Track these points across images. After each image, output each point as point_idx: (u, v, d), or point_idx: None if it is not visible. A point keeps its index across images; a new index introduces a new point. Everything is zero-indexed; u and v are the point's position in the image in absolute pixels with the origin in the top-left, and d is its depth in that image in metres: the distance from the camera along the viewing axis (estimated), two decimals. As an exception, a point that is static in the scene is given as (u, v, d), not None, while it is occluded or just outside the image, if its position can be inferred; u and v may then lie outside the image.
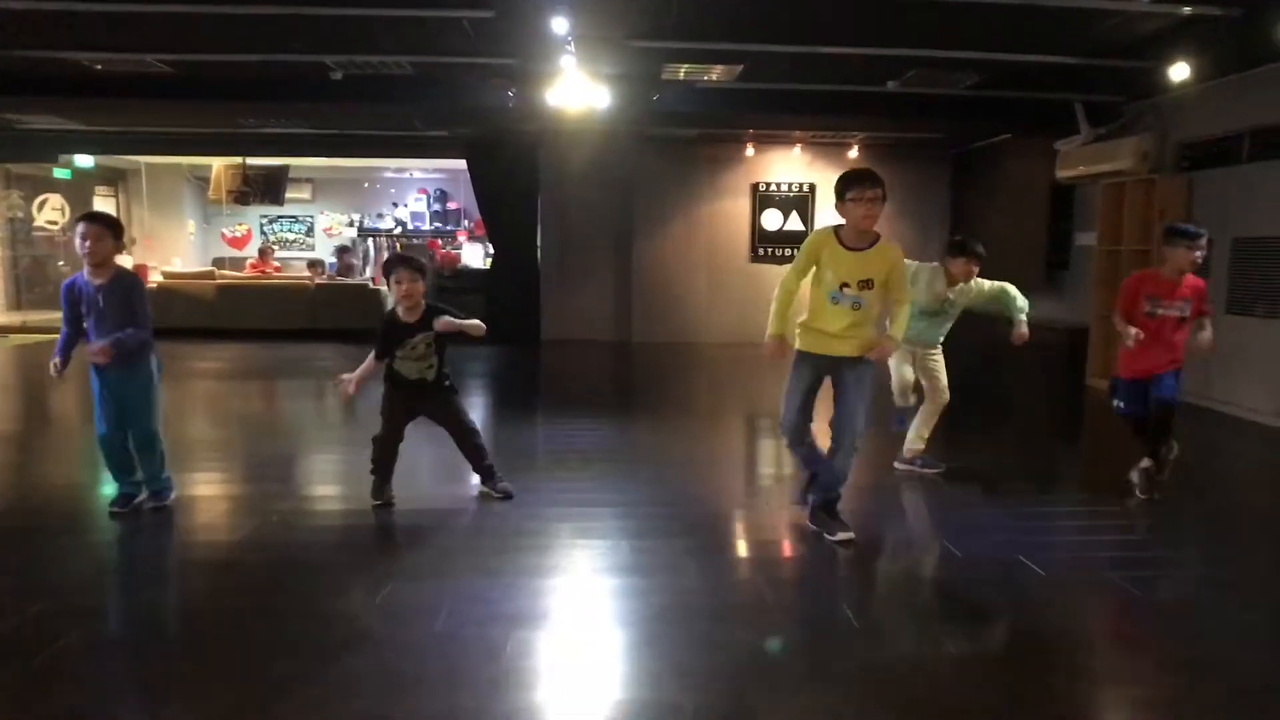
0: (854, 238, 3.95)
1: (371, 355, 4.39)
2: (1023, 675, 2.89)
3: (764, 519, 4.56)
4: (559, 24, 5.77)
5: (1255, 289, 7.11)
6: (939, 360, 5.25)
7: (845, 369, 4.02)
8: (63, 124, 10.93)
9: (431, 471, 5.08)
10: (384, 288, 12.41)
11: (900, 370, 5.28)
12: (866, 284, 3.92)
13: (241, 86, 8.22)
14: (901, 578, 3.90)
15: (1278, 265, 6.88)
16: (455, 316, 4.32)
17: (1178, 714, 2.70)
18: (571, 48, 6.55)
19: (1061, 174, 9.16)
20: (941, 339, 5.28)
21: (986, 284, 5.22)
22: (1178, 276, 4.60)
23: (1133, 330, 4.52)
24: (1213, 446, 6.51)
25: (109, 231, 4.11)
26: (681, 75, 7.85)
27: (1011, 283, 5.26)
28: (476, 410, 7.68)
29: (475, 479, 4.68)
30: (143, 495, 4.33)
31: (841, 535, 4.04)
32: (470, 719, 2.52)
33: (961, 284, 5.15)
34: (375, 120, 10.15)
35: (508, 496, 4.55)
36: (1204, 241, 4.54)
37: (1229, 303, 7.38)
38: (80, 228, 4.09)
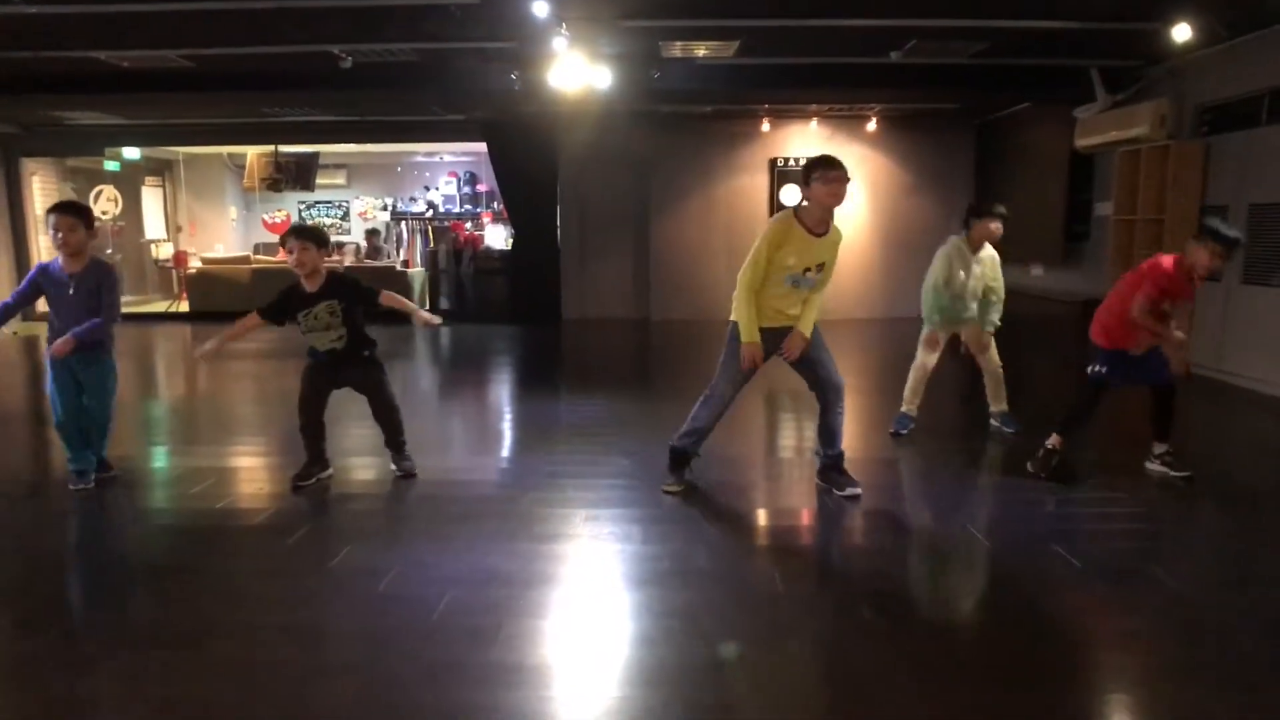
0: (815, 221, 4.03)
1: (254, 311, 4.43)
2: (948, 636, 2.97)
3: (728, 493, 4.60)
4: (540, 7, 5.86)
5: (1272, 258, 6.87)
6: (991, 346, 5.48)
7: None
8: (105, 119, 11.44)
9: (430, 443, 5.28)
10: (413, 269, 12.76)
11: (927, 354, 5.49)
12: (820, 267, 4.07)
13: (258, 77, 8.50)
14: (832, 545, 3.97)
15: (1298, 232, 6.65)
16: (367, 295, 4.39)
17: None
18: (563, 29, 6.65)
19: (1080, 143, 8.95)
20: (990, 318, 5.42)
21: (999, 262, 5.39)
22: (1193, 277, 4.29)
23: (1178, 334, 4.35)
24: (1222, 419, 6.37)
25: (80, 221, 4.22)
26: (679, 52, 7.88)
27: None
28: (483, 386, 7.93)
29: (445, 452, 4.85)
30: (94, 469, 4.51)
31: (850, 490, 4.25)
32: (389, 669, 2.70)
33: (985, 252, 5.32)
34: (392, 106, 10.40)
35: (409, 475, 4.63)
36: (1237, 252, 4.31)
37: (1244, 272, 7.17)
38: (52, 219, 4.16)
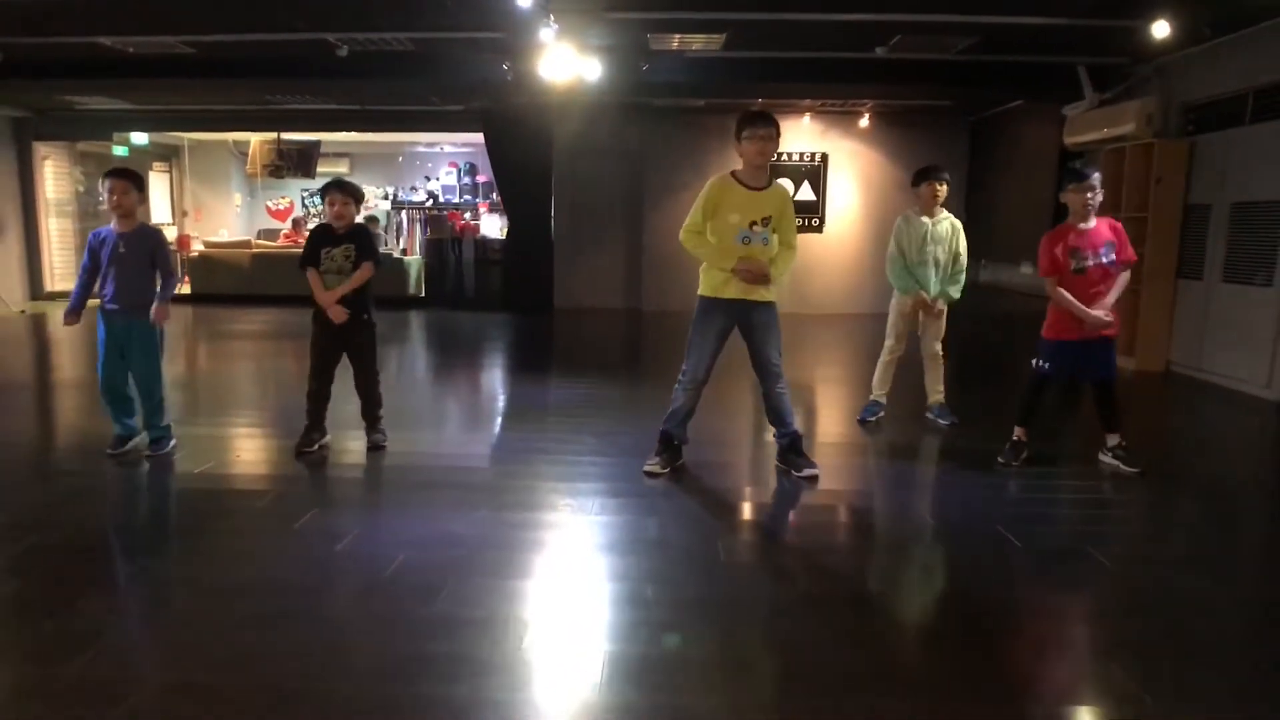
0: (751, 176, 4.18)
1: (308, 271, 4.65)
2: (904, 618, 3.09)
3: (689, 471, 4.71)
4: (527, -3, 5.99)
5: (1253, 257, 6.92)
6: (941, 313, 5.48)
7: (755, 313, 4.25)
8: (114, 104, 11.66)
9: (392, 418, 5.43)
10: (412, 258, 12.92)
11: (897, 340, 5.51)
12: (767, 221, 4.17)
13: (258, 65, 8.67)
14: (782, 522, 4.07)
15: (1275, 232, 6.65)
16: (372, 254, 4.65)
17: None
18: (551, 20, 6.77)
19: (1069, 140, 9.00)
20: (945, 289, 5.41)
21: (963, 239, 5.44)
22: (1087, 223, 4.45)
23: (1096, 313, 4.36)
24: (1204, 418, 6.42)
25: (133, 185, 4.51)
26: (668, 45, 7.99)
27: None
28: (470, 370, 8.08)
29: (423, 429, 4.99)
30: (138, 439, 4.68)
31: (807, 471, 4.36)
32: (336, 619, 2.84)
33: (940, 218, 5.39)
34: (389, 95, 10.55)
35: (377, 448, 4.76)
36: (1094, 181, 4.37)
37: (1225, 271, 7.23)
38: (107, 183, 4.46)
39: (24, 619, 2.82)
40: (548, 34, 6.96)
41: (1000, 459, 4.66)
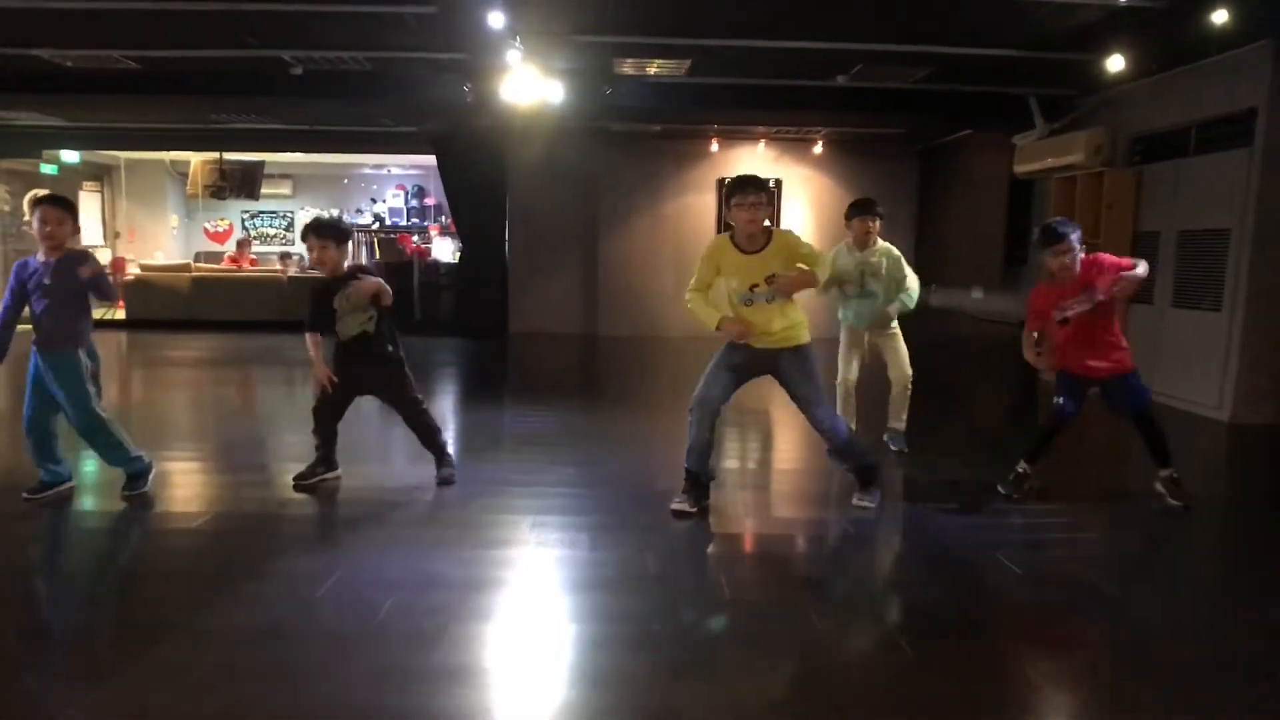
0: (746, 241, 4.01)
1: (308, 336, 4.31)
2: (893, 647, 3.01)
3: (668, 501, 4.64)
4: (496, 19, 5.88)
5: (1200, 282, 7.16)
6: (896, 338, 5.38)
7: (785, 361, 4.10)
8: (45, 120, 11.10)
9: (373, 450, 5.20)
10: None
11: (847, 366, 5.44)
12: (771, 279, 3.97)
13: (206, 81, 8.37)
14: (782, 554, 4.00)
15: (1221, 258, 6.91)
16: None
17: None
18: (517, 43, 6.67)
19: (1019, 169, 9.23)
20: (891, 316, 5.31)
21: (904, 266, 5.32)
22: (1066, 277, 4.31)
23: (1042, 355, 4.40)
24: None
25: (69, 215, 4.03)
26: (632, 70, 7.96)
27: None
28: (434, 398, 7.83)
29: (388, 460, 4.76)
30: (66, 484, 4.29)
31: (866, 501, 4.30)
32: (332, 671, 2.64)
33: (874, 248, 5.29)
34: (342, 116, 10.29)
35: (447, 483, 4.58)
36: (1066, 244, 4.22)
37: (1175, 296, 7.46)
38: (39, 211, 3.95)
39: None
40: (513, 56, 6.86)
41: (1001, 489, 4.57)
